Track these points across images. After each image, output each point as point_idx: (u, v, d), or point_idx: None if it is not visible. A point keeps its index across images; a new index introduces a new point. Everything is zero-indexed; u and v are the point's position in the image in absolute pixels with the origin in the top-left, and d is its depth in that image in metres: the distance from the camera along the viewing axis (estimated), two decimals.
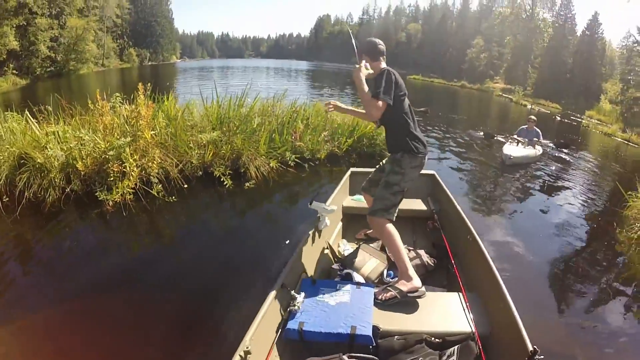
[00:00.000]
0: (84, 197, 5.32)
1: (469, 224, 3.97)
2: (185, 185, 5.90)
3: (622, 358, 3.44)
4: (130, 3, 70.24)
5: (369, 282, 3.32)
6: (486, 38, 72.56)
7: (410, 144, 3.44)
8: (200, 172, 6.26)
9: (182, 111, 7.12)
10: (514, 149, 10.24)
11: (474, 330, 2.78)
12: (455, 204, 4.52)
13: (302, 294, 2.89)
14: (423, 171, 5.11)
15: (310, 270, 3.50)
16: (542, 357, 2.13)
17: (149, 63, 69.23)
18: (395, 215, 3.45)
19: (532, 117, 11.84)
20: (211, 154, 6.35)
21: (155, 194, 5.40)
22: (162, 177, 5.69)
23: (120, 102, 6.52)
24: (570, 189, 9.36)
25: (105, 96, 6.34)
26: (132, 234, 4.96)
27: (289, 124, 7.75)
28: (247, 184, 6.30)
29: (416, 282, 3.14)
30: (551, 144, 12.43)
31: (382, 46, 3.57)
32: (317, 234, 3.80)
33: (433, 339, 2.70)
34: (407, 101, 3.44)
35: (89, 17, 54.45)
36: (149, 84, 6.41)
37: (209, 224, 5.37)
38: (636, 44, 37.98)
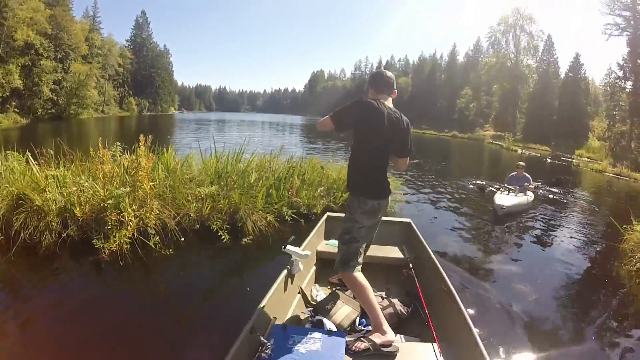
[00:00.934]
0: (80, 243, 5.32)
1: (444, 273, 3.93)
2: (182, 239, 5.90)
3: None
4: (133, 53, 73.58)
5: (340, 330, 3.28)
6: (474, 88, 74.45)
7: (362, 187, 3.26)
8: (198, 226, 6.28)
9: (181, 164, 7.25)
10: (505, 198, 10.30)
11: None
12: (430, 252, 4.49)
13: (272, 340, 2.81)
14: (399, 219, 5.74)
15: (281, 316, 3.38)
16: None
17: (148, 113, 70.92)
18: (360, 264, 3.23)
19: (521, 163, 12.02)
20: (209, 208, 6.40)
21: (152, 245, 5.40)
22: (160, 229, 5.70)
23: (120, 151, 6.62)
24: (565, 229, 9.64)
25: (105, 144, 6.41)
26: (127, 285, 4.94)
27: (286, 180, 7.88)
28: (244, 240, 6.28)
29: (390, 335, 3.03)
30: (540, 185, 12.59)
31: (375, 77, 3.44)
32: (289, 279, 3.75)
33: None
34: (377, 142, 3.19)
35: (93, 63, 56.78)
36: (149, 136, 6.52)
37: (204, 279, 5.31)
38: (618, 80, 38.46)
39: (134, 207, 5.49)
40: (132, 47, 75.99)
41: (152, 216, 5.65)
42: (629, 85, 37.45)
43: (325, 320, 3.32)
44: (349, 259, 3.20)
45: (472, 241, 7.98)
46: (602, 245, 8.70)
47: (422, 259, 4.65)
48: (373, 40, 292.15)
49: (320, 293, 4.05)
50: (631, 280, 6.37)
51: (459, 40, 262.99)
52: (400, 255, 4.90)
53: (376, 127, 3.14)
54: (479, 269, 6.39)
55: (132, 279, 5.05)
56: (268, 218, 6.79)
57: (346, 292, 3.87)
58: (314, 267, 4.62)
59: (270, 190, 7.41)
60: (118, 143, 6.75)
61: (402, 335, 3.51)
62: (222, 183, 6.91)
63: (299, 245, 4.04)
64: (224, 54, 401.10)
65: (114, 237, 5.15)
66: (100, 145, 6.31)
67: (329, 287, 4.24)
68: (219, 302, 4.62)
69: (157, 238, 5.53)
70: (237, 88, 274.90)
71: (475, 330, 2.92)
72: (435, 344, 3.10)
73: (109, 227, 5.24)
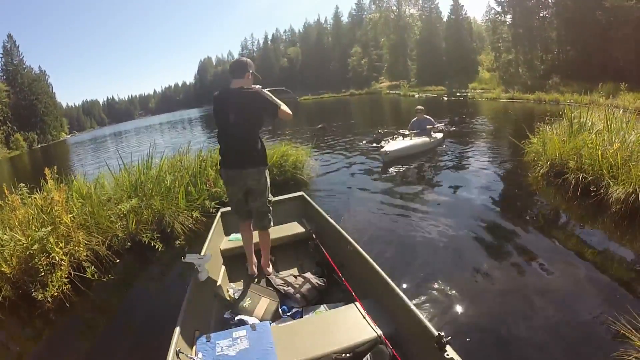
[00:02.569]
0: (19, 300, 5.00)
1: (346, 235, 4.15)
2: (118, 260, 5.81)
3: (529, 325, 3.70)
4: (7, 84, 65.56)
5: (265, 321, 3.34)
6: (363, 45, 76.16)
7: (221, 160, 4.00)
8: (129, 243, 6.18)
9: (94, 187, 7.02)
10: (390, 145, 10.79)
11: (380, 333, 2.90)
12: (328, 218, 4.72)
13: (200, 354, 2.84)
14: (292, 194, 5.95)
15: (203, 326, 3.33)
16: (449, 338, 2.37)
17: (39, 145, 64.70)
18: (245, 217, 4.15)
19: (419, 107, 12.47)
20: (134, 223, 6.30)
21: (91, 276, 5.26)
22: (93, 258, 5.56)
23: (27, 192, 6.34)
24: (473, 157, 10.70)
25: (5, 190, 6.10)
26: (79, 326, 4.73)
27: (200, 174, 7.89)
28: (177, 242, 6.32)
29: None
30: (442, 126, 13.04)
31: (229, 66, 4.07)
32: (200, 287, 3.70)
33: (344, 355, 2.81)
34: (222, 118, 3.85)
35: None
36: (54, 167, 6.34)
37: (150, 292, 5.31)
38: (498, 15, 43.21)
39: (60, 245, 5.28)
40: (4, 77, 67.98)
41: (81, 248, 5.48)
42: (508, 18, 41.78)
43: (246, 317, 3.39)
44: (235, 212, 4.17)
45: (374, 194, 8.22)
46: (509, 162, 9.88)
47: (323, 227, 4.85)
48: (255, 17, 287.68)
49: (237, 291, 4.01)
50: (537, 184, 7.56)
51: (341, 1, 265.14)
52: (302, 229, 5.06)
53: (224, 108, 3.81)
54: (386, 219, 6.67)
55: (81, 318, 4.85)
56: (194, 215, 6.85)
57: (260, 284, 3.98)
58: (223, 267, 4.59)
59: (189, 188, 7.40)
60: (22, 184, 6.46)
61: (325, 305, 3.66)
62: (139, 194, 6.80)
63: (199, 251, 4.15)
64: (104, 62, 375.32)
65: (52, 282, 4.90)
66: (5, 191, 6.03)
67: (243, 283, 4.20)
68: (162, 319, 4.34)
69: (93, 268, 5.38)
70: (126, 95, 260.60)
71: (389, 280, 3.14)
72: (357, 303, 3.29)
73: (43, 274, 4.95)
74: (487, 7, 56.36)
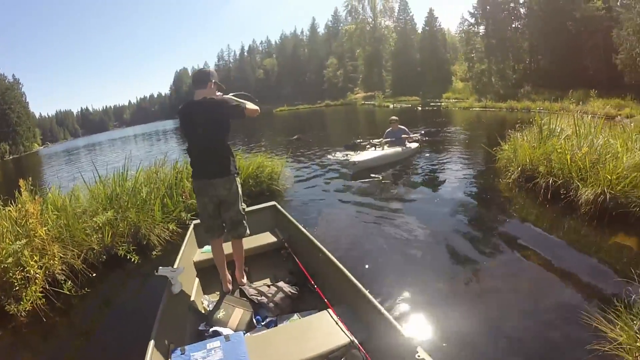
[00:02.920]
0: None
1: (318, 243, 4.22)
2: (94, 274, 5.75)
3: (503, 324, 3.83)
4: None
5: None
6: (338, 56, 76.65)
7: (192, 171, 4.06)
8: (105, 256, 6.11)
9: (69, 199, 6.94)
10: (358, 156, 10.89)
11: (353, 339, 2.93)
12: (300, 227, 4.81)
13: None
14: (264, 204, 5.96)
15: (178, 339, 3.30)
16: (421, 341, 2.47)
17: (11, 157, 62.87)
18: (216, 233, 4.10)
19: (394, 117, 12.59)
20: (110, 235, 6.24)
21: (67, 291, 5.18)
22: (68, 272, 5.47)
23: (0, 204, 6.24)
24: (448, 165, 10.95)
25: None
26: (54, 341, 4.59)
27: (177, 185, 7.83)
28: (153, 254, 6.28)
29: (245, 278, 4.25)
30: (418, 136, 13.13)
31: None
32: (174, 299, 3.68)
33: None
34: (194, 132, 3.91)
35: None
36: (28, 179, 6.26)
37: (126, 306, 5.19)
38: (471, 26, 44.59)
39: (35, 258, 5.18)
40: None
41: (56, 262, 5.40)
42: (481, 29, 43.14)
43: (221, 329, 3.40)
44: (205, 230, 4.12)
45: (348, 203, 8.27)
46: (481, 169, 10.15)
47: (296, 236, 4.91)
48: (232, 28, 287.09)
49: (211, 302, 4.01)
50: (509, 189, 7.82)
51: (317, 13, 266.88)
52: (275, 239, 5.11)
53: (192, 120, 3.87)
54: (359, 227, 6.77)
55: (56, 333, 4.71)
56: (170, 227, 6.82)
57: (234, 294, 4.00)
58: (196, 279, 4.58)
59: (165, 199, 7.35)
60: None
61: (298, 313, 3.70)
62: (115, 206, 6.73)
63: (174, 260, 4.21)
64: (78, 71, 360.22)
65: (26, 296, 4.81)
66: None
67: (217, 295, 4.17)
68: (138, 333, 4.16)
69: (70, 282, 5.31)
70: (100, 105, 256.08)
71: (361, 286, 3.21)
72: (330, 310, 3.33)
73: (17, 288, 4.87)
74: (460, 18, 58.03)
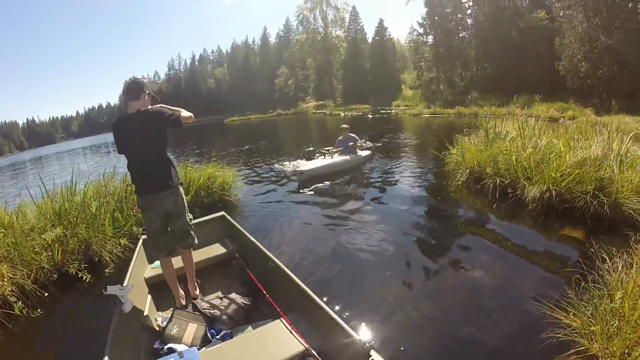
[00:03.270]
0: None
1: (268, 252, 4.27)
2: (46, 294, 5.49)
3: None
4: None
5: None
6: (290, 65, 76.88)
7: (135, 187, 3.98)
8: (55, 275, 5.88)
9: (15, 216, 6.67)
10: (305, 164, 11.06)
11: (307, 346, 2.97)
12: (250, 237, 4.80)
13: None
14: (212, 215, 5.87)
15: (132, 359, 3.27)
16: (372, 343, 2.55)
17: None
18: (166, 251, 4.04)
19: (344, 125, 12.70)
20: (59, 253, 6.00)
21: (18, 312, 4.95)
22: (19, 293, 5.24)
23: None
24: (398, 170, 11.12)
25: None
26: None
27: (127, 199, 7.61)
28: (105, 271, 6.08)
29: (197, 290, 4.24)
30: (365, 142, 13.35)
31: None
32: (125, 318, 3.54)
33: None
34: (126, 145, 3.84)
35: None
36: None
37: (80, 326, 4.98)
38: (420, 36, 46.41)
39: None
40: None
41: (5, 283, 5.17)
42: (430, 39, 45.01)
43: (175, 345, 3.36)
44: (153, 247, 4.04)
45: (301, 212, 8.28)
46: (431, 173, 10.46)
47: (246, 246, 4.87)
48: (183, 37, 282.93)
49: (165, 319, 3.90)
50: (459, 191, 8.13)
51: (269, 22, 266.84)
52: (225, 250, 5.07)
53: (127, 135, 3.79)
54: (312, 235, 6.78)
55: (7, 357, 4.55)
56: (122, 242, 6.63)
57: (187, 309, 3.93)
58: (148, 296, 4.46)
59: (115, 214, 7.14)
60: None
61: (252, 324, 3.70)
62: (64, 222, 6.50)
63: (123, 277, 4.12)
64: (24, 79, 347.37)
65: None
66: None
67: (170, 311, 4.04)
68: (92, 354, 3.98)
69: (21, 303, 5.08)
70: (47, 116, 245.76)
71: (312, 293, 3.26)
72: (283, 319, 3.35)
73: None
74: (410, 28, 60.11)
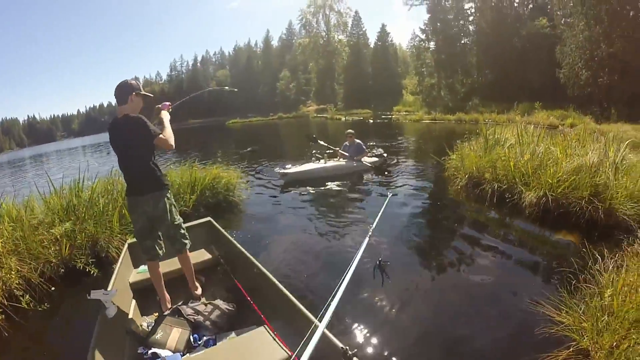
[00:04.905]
0: None
1: (253, 259, 4.22)
2: (53, 288, 5.53)
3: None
4: None
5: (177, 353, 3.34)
6: (292, 69, 77.21)
7: (126, 188, 4.05)
8: (63, 270, 5.93)
9: (25, 210, 6.75)
10: (291, 168, 11.20)
11: (290, 353, 2.97)
12: (236, 243, 4.75)
13: None
14: (199, 220, 5.84)
15: None
16: (355, 351, 2.57)
17: None
18: (153, 255, 4.06)
19: (350, 130, 12.57)
20: (67, 247, 6.08)
21: (26, 306, 5.01)
22: (26, 286, 5.28)
23: None
24: (398, 175, 11.26)
25: None
26: (13, 357, 4.50)
27: None
28: (112, 267, 5.90)
29: (199, 290, 4.35)
30: (376, 149, 13.10)
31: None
32: (109, 323, 3.50)
33: None
34: (120, 150, 3.91)
35: None
36: None
37: (88, 321, 4.91)
38: (422, 42, 46.44)
39: None
40: None
41: (13, 276, 5.22)
42: (432, 45, 45.17)
43: (159, 350, 3.35)
44: (142, 250, 4.09)
45: (302, 215, 8.24)
46: (431, 177, 10.75)
47: (232, 252, 4.84)
48: (185, 38, 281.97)
49: (150, 324, 3.82)
50: (458, 196, 8.34)
51: (272, 25, 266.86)
52: (210, 256, 5.06)
53: (114, 139, 3.87)
54: (310, 239, 6.78)
55: (16, 350, 4.57)
56: (129, 239, 6.57)
57: (171, 314, 3.91)
58: (133, 301, 4.39)
59: (123, 211, 7.15)
60: None
61: (236, 331, 3.68)
62: (72, 218, 6.59)
63: (107, 281, 4.07)
64: (25, 76, 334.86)
65: None
66: None
67: (154, 316, 4.04)
68: None
69: (28, 296, 5.13)
70: (48, 114, 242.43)
71: (296, 301, 3.28)
72: (267, 326, 3.39)
73: None
74: (412, 34, 60.50)
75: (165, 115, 4.19)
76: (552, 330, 3.44)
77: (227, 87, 4.08)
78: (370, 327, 3.99)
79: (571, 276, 4.03)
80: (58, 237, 6.15)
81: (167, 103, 4.24)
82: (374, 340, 3.80)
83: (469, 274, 5.02)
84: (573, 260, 4.27)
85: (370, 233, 4.72)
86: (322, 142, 12.86)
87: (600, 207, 5.86)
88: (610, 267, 3.75)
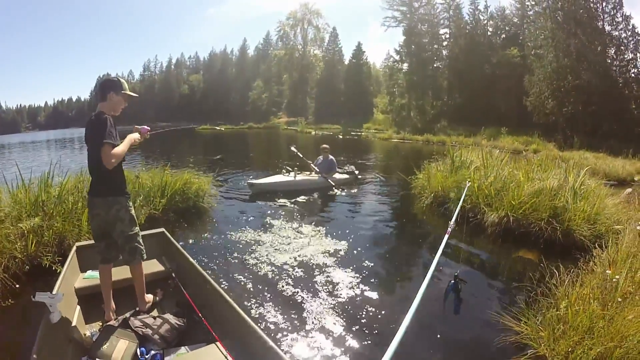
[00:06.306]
0: None
1: (206, 275, 4.12)
2: (17, 285, 5.35)
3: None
4: None
5: None
6: (265, 79, 77.30)
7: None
8: (28, 266, 5.74)
9: None
10: (260, 179, 11.41)
11: None
12: (189, 257, 4.62)
13: None
14: (152, 231, 5.62)
15: None
16: None
17: None
18: (107, 259, 3.99)
19: (325, 145, 12.57)
20: (34, 244, 5.91)
21: None
22: None
23: None
24: (365, 191, 11.49)
25: None
26: None
27: None
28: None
29: (149, 297, 4.19)
30: (348, 167, 13.27)
31: None
32: (52, 329, 3.29)
33: None
34: (88, 148, 3.83)
35: None
36: None
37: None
38: (396, 63, 48.53)
39: None
40: None
41: None
42: (405, 66, 46.86)
43: None
44: (96, 251, 4.01)
45: (268, 226, 7.95)
46: (397, 195, 11.09)
47: (183, 266, 4.72)
48: (161, 39, 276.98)
49: (94, 333, 3.67)
50: (423, 213, 8.71)
51: (249, 34, 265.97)
52: (162, 268, 4.90)
53: (85, 134, 3.78)
54: (274, 252, 6.52)
55: None
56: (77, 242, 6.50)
57: (118, 325, 3.70)
58: (78, 307, 4.19)
59: None
60: None
61: (186, 347, 3.58)
62: (40, 213, 6.42)
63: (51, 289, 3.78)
64: None
65: None
66: None
67: (100, 325, 3.87)
68: None
69: None
70: (14, 103, 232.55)
71: (248, 318, 3.23)
72: (218, 343, 3.34)
73: None
74: (386, 54, 61.70)
75: (133, 136, 4.02)
76: (512, 339, 3.72)
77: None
78: (314, 348, 3.93)
79: (529, 289, 4.38)
80: (25, 231, 5.97)
81: (147, 128, 4.17)
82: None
83: (431, 288, 5.06)
84: (531, 275, 4.62)
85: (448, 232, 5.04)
86: (299, 154, 12.89)
87: (558, 227, 6.28)
88: (566, 281, 4.07)
